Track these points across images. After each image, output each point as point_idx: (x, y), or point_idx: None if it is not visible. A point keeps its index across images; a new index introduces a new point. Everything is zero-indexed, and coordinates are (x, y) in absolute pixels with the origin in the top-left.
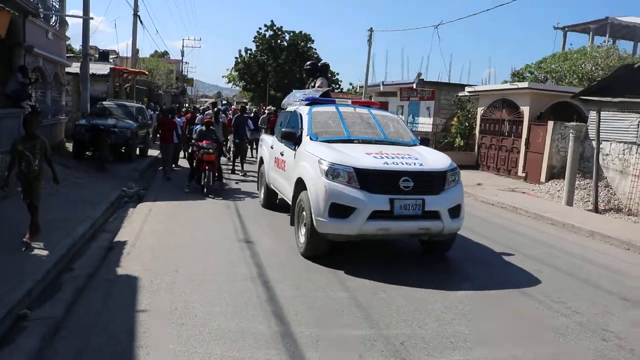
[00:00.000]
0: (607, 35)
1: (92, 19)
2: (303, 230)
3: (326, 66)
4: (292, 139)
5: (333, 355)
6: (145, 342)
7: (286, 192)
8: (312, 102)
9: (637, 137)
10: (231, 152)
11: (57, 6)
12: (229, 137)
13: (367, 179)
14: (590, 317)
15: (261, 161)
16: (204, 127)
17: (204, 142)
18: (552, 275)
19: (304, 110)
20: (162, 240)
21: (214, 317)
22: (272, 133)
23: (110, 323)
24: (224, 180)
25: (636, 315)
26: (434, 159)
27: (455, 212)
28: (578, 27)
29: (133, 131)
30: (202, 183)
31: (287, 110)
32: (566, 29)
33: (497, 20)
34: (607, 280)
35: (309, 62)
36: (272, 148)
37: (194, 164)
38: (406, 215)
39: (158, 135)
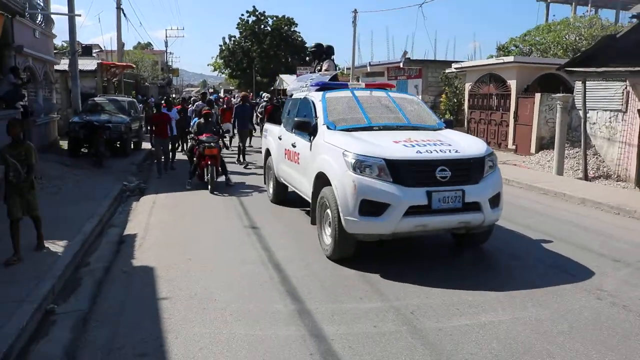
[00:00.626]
0: (589, 5)
1: (79, 15)
2: (328, 231)
3: (332, 48)
4: (306, 129)
5: (349, 327)
6: (171, 327)
7: (302, 188)
8: (322, 87)
9: (622, 104)
10: (237, 143)
11: (42, 4)
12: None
13: (400, 170)
14: (584, 278)
15: (267, 153)
16: (202, 120)
17: (203, 135)
18: (545, 241)
19: (316, 96)
20: (170, 232)
21: (232, 300)
22: (272, 122)
23: (134, 312)
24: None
25: (627, 274)
26: (469, 144)
27: (495, 201)
28: None
29: (127, 125)
30: (206, 180)
31: (294, 97)
32: (549, 0)
33: None
34: (599, 244)
35: (313, 44)
36: (280, 139)
37: (195, 159)
38: (445, 209)
39: (148, 129)
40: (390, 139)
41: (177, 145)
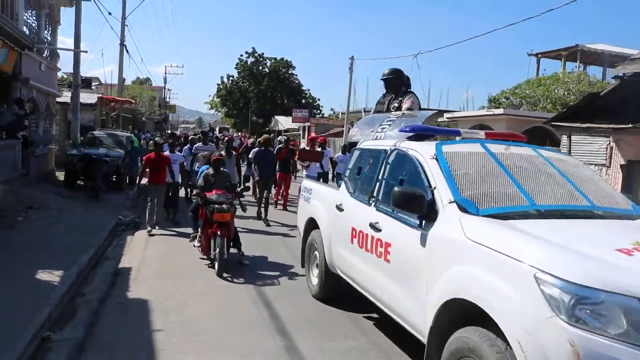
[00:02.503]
0: (578, 61)
1: (85, 52)
2: None
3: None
4: (414, 207)
5: None
6: (165, 357)
7: (395, 304)
8: (419, 133)
9: (605, 159)
10: (256, 194)
11: (50, 38)
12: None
13: None
14: None
15: (311, 225)
16: (210, 170)
17: (213, 192)
18: None
19: (422, 150)
20: (165, 266)
21: (225, 334)
22: (284, 169)
23: (129, 342)
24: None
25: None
26: None
27: None
28: (551, 53)
29: (124, 160)
30: (212, 255)
31: (366, 147)
32: (539, 55)
33: (474, 47)
34: None
35: (387, 70)
36: (339, 210)
37: (202, 224)
38: None
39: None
40: (603, 241)
41: (181, 190)
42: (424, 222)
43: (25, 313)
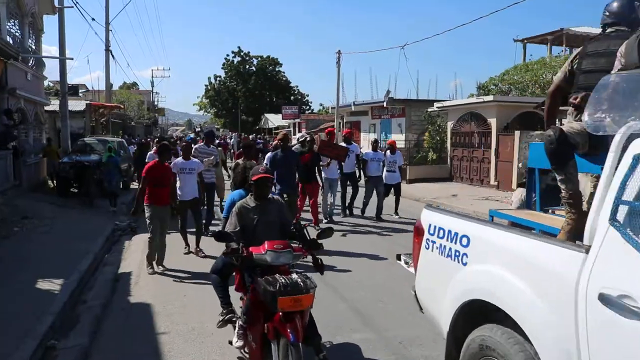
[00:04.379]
0: (564, 45)
1: (71, 59)
2: None
3: None
4: None
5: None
6: (172, 359)
7: None
8: None
9: None
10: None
11: (34, 47)
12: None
13: None
14: None
15: (474, 312)
16: (250, 200)
17: (264, 245)
18: None
19: None
20: (165, 269)
21: (229, 334)
22: (309, 179)
23: (135, 346)
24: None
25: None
26: None
27: None
28: (536, 38)
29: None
30: None
31: None
32: (525, 41)
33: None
34: None
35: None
36: (624, 311)
37: (246, 309)
38: None
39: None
40: None
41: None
42: None
43: (28, 322)
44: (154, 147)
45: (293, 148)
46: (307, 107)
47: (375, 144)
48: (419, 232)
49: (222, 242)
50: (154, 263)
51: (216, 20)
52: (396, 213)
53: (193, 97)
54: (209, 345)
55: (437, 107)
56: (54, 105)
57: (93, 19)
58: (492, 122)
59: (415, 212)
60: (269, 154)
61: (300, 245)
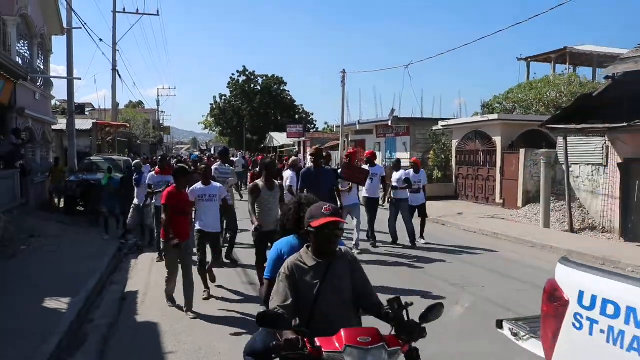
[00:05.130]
0: (568, 63)
1: (79, 79)
2: None
3: None
4: None
5: None
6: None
7: None
8: None
9: (602, 158)
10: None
11: (42, 67)
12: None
13: None
14: None
15: None
16: (305, 258)
17: (342, 335)
18: (534, 292)
19: None
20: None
21: (236, 354)
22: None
23: None
24: None
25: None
26: None
27: None
28: (540, 57)
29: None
30: None
31: None
32: (529, 59)
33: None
34: None
35: None
36: None
37: None
38: None
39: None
40: None
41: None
42: None
43: (36, 341)
44: (156, 167)
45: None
46: (312, 125)
47: (397, 164)
48: (555, 299)
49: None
50: (184, 309)
51: (220, 40)
52: (422, 237)
53: (198, 116)
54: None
55: (441, 126)
56: (61, 124)
57: (100, 40)
58: (497, 140)
59: (435, 234)
60: (289, 173)
61: (394, 334)
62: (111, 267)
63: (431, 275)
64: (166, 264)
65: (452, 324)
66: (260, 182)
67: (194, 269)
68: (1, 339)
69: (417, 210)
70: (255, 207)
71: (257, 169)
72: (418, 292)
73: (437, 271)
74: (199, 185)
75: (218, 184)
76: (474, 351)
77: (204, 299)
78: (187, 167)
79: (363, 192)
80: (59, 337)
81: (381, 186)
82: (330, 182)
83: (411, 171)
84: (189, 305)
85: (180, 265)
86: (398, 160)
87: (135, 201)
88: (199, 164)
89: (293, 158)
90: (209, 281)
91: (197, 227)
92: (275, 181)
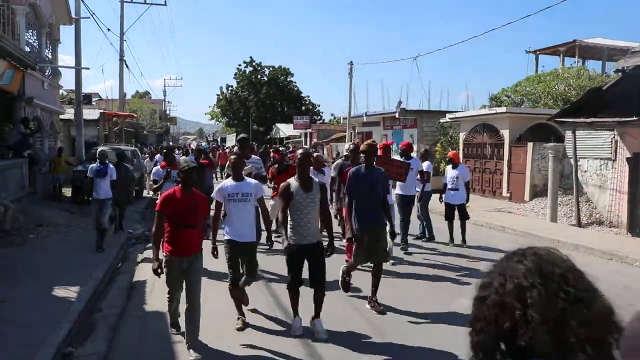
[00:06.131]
0: (577, 56)
1: (87, 69)
2: None
3: None
4: None
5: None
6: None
7: None
8: None
9: (611, 153)
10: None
11: (50, 57)
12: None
13: None
14: None
15: None
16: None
17: None
18: None
19: None
20: None
21: (247, 338)
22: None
23: (152, 354)
24: None
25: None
26: None
27: None
28: (548, 50)
29: (131, 174)
30: None
31: None
32: (537, 52)
33: (472, 47)
34: None
35: None
36: None
37: None
38: None
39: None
40: None
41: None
42: None
43: (45, 330)
44: (161, 161)
45: (336, 162)
46: (319, 117)
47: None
48: None
49: None
50: (186, 347)
51: (227, 31)
52: (464, 241)
53: (205, 107)
54: (223, 354)
55: (449, 118)
56: (68, 114)
57: (109, 29)
58: (505, 133)
59: (443, 227)
60: (352, 170)
61: None
62: (119, 256)
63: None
64: (166, 280)
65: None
66: (293, 180)
67: (218, 288)
68: (11, 327)
69: (456, 209)
70: (288, 215)
71: (277, 165)
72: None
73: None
74: (228, 181)
75: (253, 180)
76: None
77: (238, 329)
78: (193, 167)
79: (396, 189)
80: (68, 326)
81: (417, 180)
82: (383, 188)
83: (449, 167)
84: (191, 342)
85: (184, 285)
86: (426, 151)
87: (95, 194)
88: (217, 152)
89: (317, 154)
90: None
91: (226, 236)
92: (315, 178)
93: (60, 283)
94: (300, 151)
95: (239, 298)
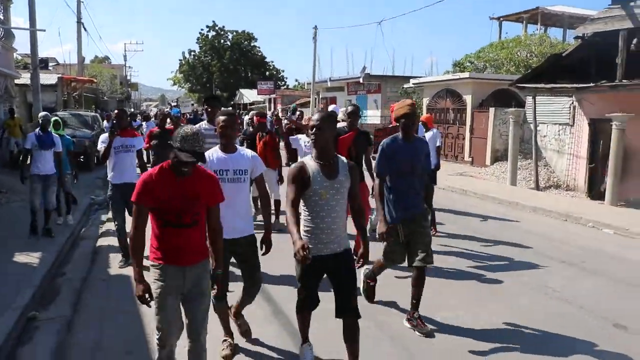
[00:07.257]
0: (539, 23)
1: (43, 30)
2: None
3: None
4: None
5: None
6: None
7: None
8: None
9: (569, 118)
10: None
11: (2, 17)
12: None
13: None
14: (532, 277)
15: None
16: None
17: None
18: (498, 246)
19: None
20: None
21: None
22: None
23: (117, 316)
24: None
25: (571, 273)
26: None
27: None
28: (512, 16)
29: (91, 140)
30: None
31: None
32: (501, 19)
33: (437, 13)
34: (548, 248)
35: None
36: None
37: None
38: None
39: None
40: None
41: None
42: None
43: (8, 296)
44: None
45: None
46: (283, 82)
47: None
48: None
49: None
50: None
51: None
52: (430, 206)
53: (166, 72)
54: None
55: (413, 84)
56: (24, 78)
57: None
58: (468, 98)
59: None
60: (385, 141)
61: None
62: (82, 222)
63: None
64: (156, 312)
65: None
66: (310, 161)
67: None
68: None
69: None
70: (303, 210)
71: (265, 133)
72: None
73: None
74: (215, 153)
75: (249, 151)
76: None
77: (224, 356)
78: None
79: None
80: (31, 291)
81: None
82: (422, 158)
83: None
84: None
85: (185, 316)
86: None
87: (35, 169)
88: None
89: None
90: (235, 325)
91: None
92: (344, 159)
93: (22, 249)
94: (316, 116)
95: (224, 317)
